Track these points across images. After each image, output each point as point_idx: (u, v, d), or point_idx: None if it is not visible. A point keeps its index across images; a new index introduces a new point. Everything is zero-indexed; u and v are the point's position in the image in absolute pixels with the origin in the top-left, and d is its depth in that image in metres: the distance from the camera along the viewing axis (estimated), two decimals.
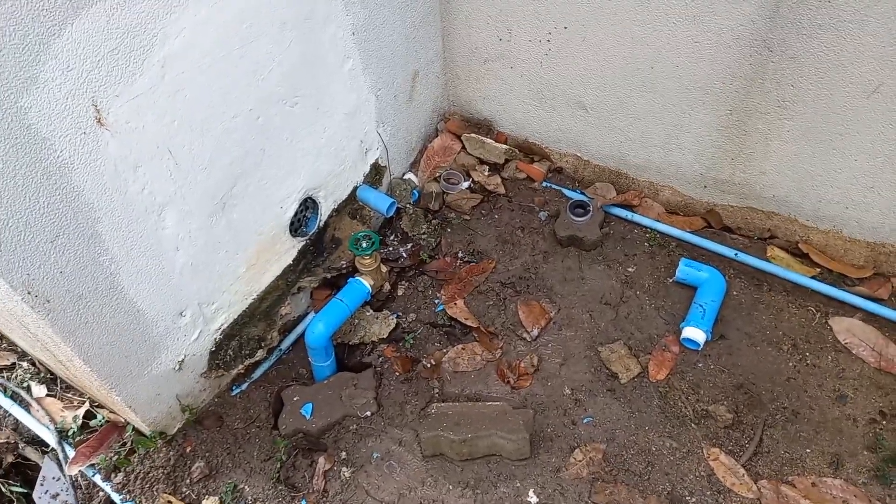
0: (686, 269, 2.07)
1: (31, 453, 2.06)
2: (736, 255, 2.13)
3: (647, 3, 1.86)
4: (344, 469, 1.79)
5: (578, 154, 2.42)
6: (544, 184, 2.46)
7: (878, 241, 2.01)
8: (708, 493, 1.67)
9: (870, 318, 1.96)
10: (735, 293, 2.07)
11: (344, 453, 1.83)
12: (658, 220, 2.27)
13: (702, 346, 1.93)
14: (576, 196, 2.38)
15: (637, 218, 2.29)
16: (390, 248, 2.29)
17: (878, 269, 2.06)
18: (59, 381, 2.10)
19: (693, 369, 1.92)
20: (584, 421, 1.84)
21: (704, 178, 2.18)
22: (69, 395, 2.05)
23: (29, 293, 1.32)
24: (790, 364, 1.90)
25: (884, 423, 1.76)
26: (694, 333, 1.91)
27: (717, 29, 1.81)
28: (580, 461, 1.75)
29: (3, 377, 2.10)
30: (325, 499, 1.75)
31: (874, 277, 2.05)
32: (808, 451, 1.74)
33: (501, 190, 2.45)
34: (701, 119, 2.03)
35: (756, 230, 2.21)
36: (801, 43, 1.72)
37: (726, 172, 2.12)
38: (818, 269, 2.09)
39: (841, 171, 1.92)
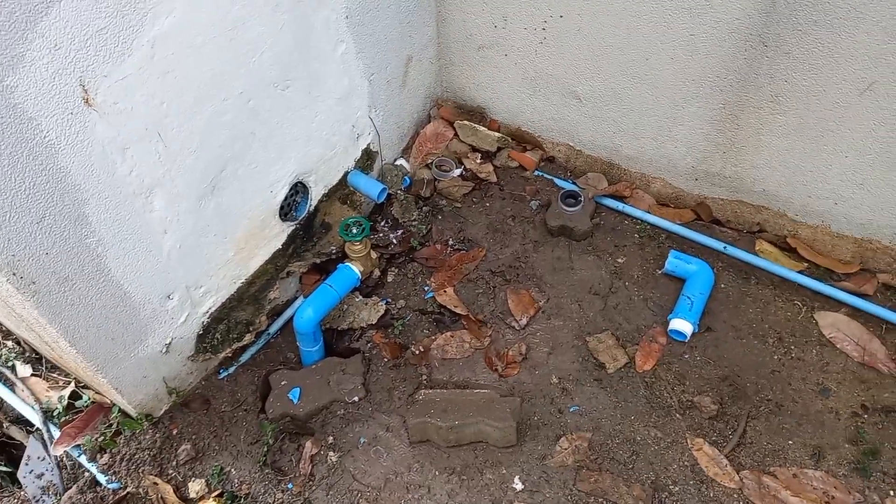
0: (675, 262, 2.08)
1: (15, 433, 2.05)
2: (725, 248, 2.14)
3: None
4: (331, 454, 1.80)
5: (571, 144, 2.41)
6: (536, 173, 2.46)
7: (866, 237, 2.02)
8: (691, 482, 1.70)
9: (855, 313, 1.98)
10: (723, 286, 2.09)
11: (331, 438, 1.83)
12: (648, 212, 2.28)
13: (689, 337, 1.95)
14: (567, 186, 2.38)
15: (628, 209, 2.29)
16: (381, 234, 2.29)
17: (865, 265, 2.08)
18: (44, 360, 2.09)
19: (679, 361, 1.93)
20: (571, 410, 1.85)
21: (696, 171, 2.19)
22: (54, 376, 2.04)
23: (14, 274, 1.31)
24: (775, 357, 1.92)
25: (865, 416, 1.78)
26: (681, 325, 1.92)
27: (713, 22, 1.80)
28: (566, 449, 1.77)
29: None
30: (311, 483, 1.76)
31: (860, 273, 2.06)
32: (790, 442, 1.76)
33: (493, 178, 2.45)
34: (694, 112, 2.03)
35: (745, 224, 2.22)
36: (796, 39, 1.72)
37: (717, 165, 2.12)
38: (805, 264, 2.10)
39: (831, 168, 1.93)
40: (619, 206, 2.30)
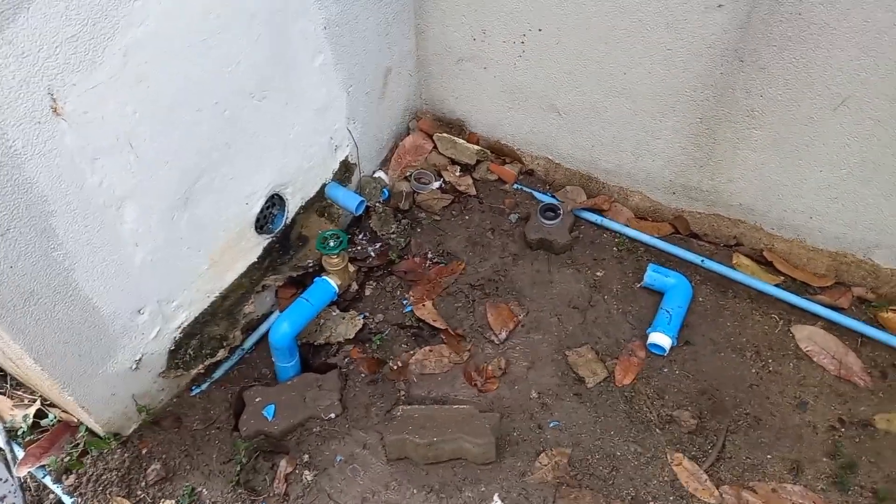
0: (653, 275, 2.08)
1: None
2: (702, 261, 2.15)
3: (623, 8, 1.86)
4: (306, 472, 1.76)
5: (550, 157, 2.41)
6: (515, 186, 2.46)
7: (840, 250, 2.05)
8: (671, 498, 1.68)
9: (830, 326, 1.99)
10: (701, 299, 2.09)
11: (306, 456, 1.79)
12: (627, 225, 2.28)
13: (667, 351, 1.94)
14: (546, 199, 2.37)
15: (606, 222, 2.29)
16: (358, 248, 2.26)
17: (840, 279, 2.10)
18: (8, 378, 2.02)
19: (658, 374, 1.93)
20: (551, 425, 1.84)
21: (673, 185, 2.20)
22: (19, 393, 1.97)
23: None
24: (753, 371, 1.93)
25: (843, 430, 1.79)
26: (660, 339, 1.92)
27: (690, 37, 1.82)
28: (545, 465, 1.75)
29: None
30: (286, 503, 1.72)
31: (835, 286, 2.08)
32: (769, 457, 1.76)
33: (472, 191, 2.44)
34: (671, 126, 2.05)
35: (722, 237, 2.24)
36: (771, 54, 1.74)
37: (695, 179, 2.14)
38: (782, 277, 2.12)
39: (806, 182, 1.95)
40: (598, 219, 2.30)
